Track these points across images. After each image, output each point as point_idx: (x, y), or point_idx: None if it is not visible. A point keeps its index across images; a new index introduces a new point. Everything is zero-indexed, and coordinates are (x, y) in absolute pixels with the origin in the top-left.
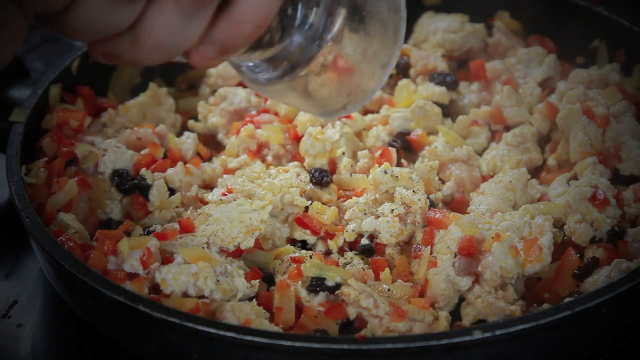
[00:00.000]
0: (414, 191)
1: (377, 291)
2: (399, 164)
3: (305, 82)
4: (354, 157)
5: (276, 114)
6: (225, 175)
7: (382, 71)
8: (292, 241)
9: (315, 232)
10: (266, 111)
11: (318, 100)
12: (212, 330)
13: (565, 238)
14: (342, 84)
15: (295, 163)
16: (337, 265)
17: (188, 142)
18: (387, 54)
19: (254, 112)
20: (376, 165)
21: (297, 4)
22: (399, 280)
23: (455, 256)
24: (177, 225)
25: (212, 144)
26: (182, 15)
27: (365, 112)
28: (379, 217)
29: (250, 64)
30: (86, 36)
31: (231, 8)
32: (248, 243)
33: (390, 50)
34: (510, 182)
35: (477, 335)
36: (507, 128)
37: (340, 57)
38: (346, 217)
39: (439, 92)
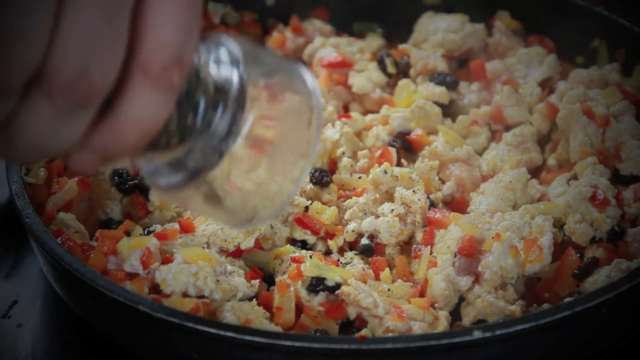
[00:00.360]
0: (414, 191)
1: (377, 291)
2: (399, 164)
3: (209, 191)
4: (354, 157)
5: None
6: None
7: (292, 186)
8: (292, 241)
9: (315, 232)
10: None
11: (224, 211)
12: (212, 330)
13: (565, 238)
14: (248, 195)
15: None
16: (337, 265)
17: None
18: (298, 168)
19: None
20: (376, 165)
21: (198, 106)
22: (399, 280)
23: (455, 256)
24: (177, 225)
25: None
26: (57, 117)
27: (365, 112)
28: (379, 217)
29: (151, 167)
30: None
31: (113, 113)
32: (248, 243)
33: (302, 165)
34: (510, 182)
35: (477, 335)
36: (507, 128)
37: (242, 168)
38: (346, 217)
39: (439, 92)
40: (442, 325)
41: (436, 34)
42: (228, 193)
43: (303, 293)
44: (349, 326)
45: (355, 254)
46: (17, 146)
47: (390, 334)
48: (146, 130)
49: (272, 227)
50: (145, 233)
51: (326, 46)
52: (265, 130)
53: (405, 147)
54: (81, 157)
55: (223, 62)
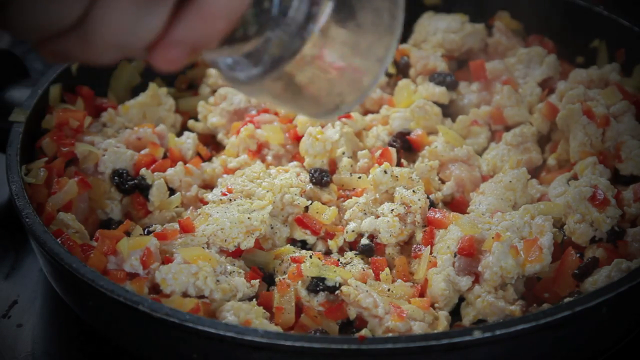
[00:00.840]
0: (413, 191)
1: (377, 291)
2: (399, 164)
3: (291, 80)
4: (354, 157)
5: (276, 114)
6: (225, 175)
7: (377, 66)
8: (292, 241)
9: (315, 232)
10: (266, 111)
11: (307, 100)
12: (212, 330)
13: (565, 238)
14: (333, 81)
15: (295, 163)
16: (337, 265)
17: (188, 142)
18: (382, 46)
19: (254, 112)
20: (376, 165)
21: None
22: (399, 280)
23: (455, 256)
24: (177, 225)
25: (212, 144)
26: (137, 9)
27: (365, 112)
28: (379, 217)
29: (229, 60)
30: (28, 34)
31: (199, 1)
32: (248, 243)
33: (387, 42)
34: (510, 182)
35: (477, 335)
36: (507, 128)
37: (328, 51)
38: (346, 217)
39: (439, 92)
40: (442, 325)
41: (436, 34)
42: (312, 80)
43: (303, 293)
44: (349, 326)
45: (355, 254)
46: (94, 43)
47: (390, 334)
48: (233, 14)
49: (272, 227)
50: (145, 233)
51: None
52: (346, 12)
53: (405, 147)
54: (167, 54)
55: None
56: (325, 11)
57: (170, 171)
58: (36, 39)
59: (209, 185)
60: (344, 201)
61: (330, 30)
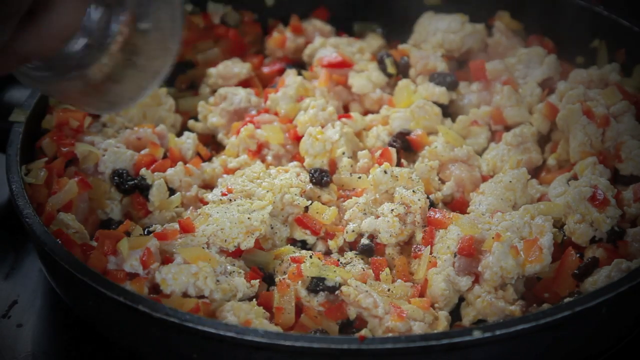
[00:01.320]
0: (413, 191)
1: (377, 291)
2: (399, 164)
3: (84, 82)
4: (354, 157)
5: (276, 114)
6: (225, 175)
7: (152, 78)
8: (292, 241)
9: (315, 232)
10: (266, 111)
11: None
12: (212, 330)
13: (565, 238)
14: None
15: (295, 163)
16: (337, 265)
17: (188, 142)
18: (161, 62)
19: (254, 112)
20: (376, 165)
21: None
22: (399, 280)
23: (455, 256)
24: (177, 225)
25: (212, 144)
26: None
27: (365, 112)
28: (379, 217)
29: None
30: None
31: (39, 21)
32: (248, 243)
33: (166, 59)
34: (510, 182)
35: (477, 335)
36: (507, 128)
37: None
38: (346, 217)
39: (439, 92)
40: (442, 325)
41: (436, 34)
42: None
43: (303, 293)
44: (349, 326)
45: (355, 254)
46: None
47: (390, 334)
48: (68, 33)
49: (272, 227)
50: (145, 233)
51: (326, 46)
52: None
53: (405, 147)
54: (4, 61)
55: None
56: (120, 27)
57: (170, 171)
58: None
59: (209, 185)
60: (344, 201)
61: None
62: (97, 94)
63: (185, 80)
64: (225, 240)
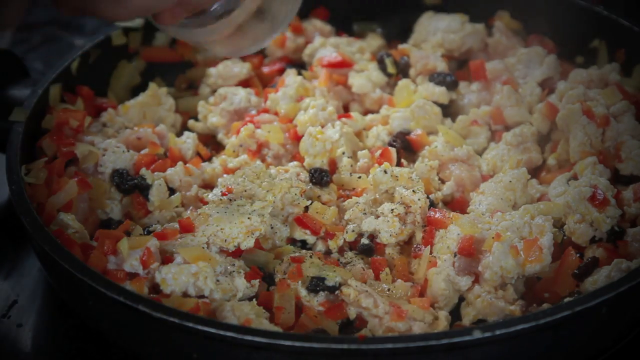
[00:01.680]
0: (413, 191)
1: (377, 291)
2: (399, 164)
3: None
4: (354, 157)
5: (276, 113)
6: (225, 175)
7: (283, 22)
8: (292, 241)
9: (315, 232)
10: (266, 111)
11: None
12: (212, 330)
13: (565, 238)
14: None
15: (295, 163)
16: (337, 265)
17: (188, 142)
18: (290, 8)
19: (253, 112)
20: (376, 165)
21: None
22: (399, 280)
23: (455, 256)
24: (177, 225)
25: (212, 143)
26: None
27: (365, 112)
28: (378, 217)
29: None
30: None
31: None
32: (248, 243)
33: (294, 5)
34: (510, 182)
35: (477, 335)
36: (507, 128)
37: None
38: (346, 217)
39: (439, 92)
40: (442, 325)
41: (436, 34)
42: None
43: (303, 293)
44: (349, 326)
45: (355, 254)
46: (127, 7)
47: (390, 334)
48: None
49: (272, 227)
50: (145, 233)
51: (326, 46)
52: None
53: (405, 147)
54: (174, 13)
55: None
56: None
57: (170, 171)
58: None
59: (209, 185)
60: (344, 201)
61: None
62: (235, 38)
63: (185, 80)
64: (225, 240)
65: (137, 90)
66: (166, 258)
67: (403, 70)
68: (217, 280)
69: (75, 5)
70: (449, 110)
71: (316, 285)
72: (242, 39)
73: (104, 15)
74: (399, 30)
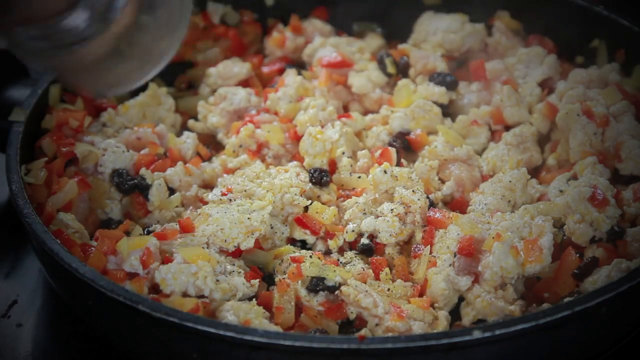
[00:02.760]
0: (413, 191)
1: (376, 291)
2: (398, 164)
3: (84, 58)
4: (354, 157)
5: (276, 113)
6: (225, 175)
7: (158, 59)
8: (292, 241)
9: (315, 232)
10: (266, 111)
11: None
12: (212, 330)
13: (565, 238)
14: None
15: (295, 163)
16: (337, 265)
17: (188, 142)
18: (167, 42)
19: (253, 112)
20: (376, 165)
21: None
22: (399, 280)
23: (455, 256)
24: (177, 225)
25: (212, 144)
26: None
27: (365, 112)
28: (378, 217)
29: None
30: None
31: None
32: (248, 243)
33: (173, 41)
34: (510, 182)
35: (477, 335)
36: (507, 128)
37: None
38: (346, 217)
39: (439, 92)
40: (442, 325)
41: (436, 34)
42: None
43: (303, 293)
44: (349, 326)
45: (355, 254)
46: None
47: (390, 334)
48: None
49: (272, 227)
50: (145, 233)
51: (326, 46)
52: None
53: (405, 147)
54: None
55: None
56: (125, 3)
57: (170, 171)
58: None
59: (209, 185)
60: (343, 201)
61: (127, 22)
62: (97, 73)
63: (185, 80)
64: (225, 240)
65: (136, 90)
66: (166, 258)
67: (403, 70)
68: (217, 280)
69: None
70: (449, 110)
71: (316, 285)
72: (100, 78)
73: None
74: (398, 30)
